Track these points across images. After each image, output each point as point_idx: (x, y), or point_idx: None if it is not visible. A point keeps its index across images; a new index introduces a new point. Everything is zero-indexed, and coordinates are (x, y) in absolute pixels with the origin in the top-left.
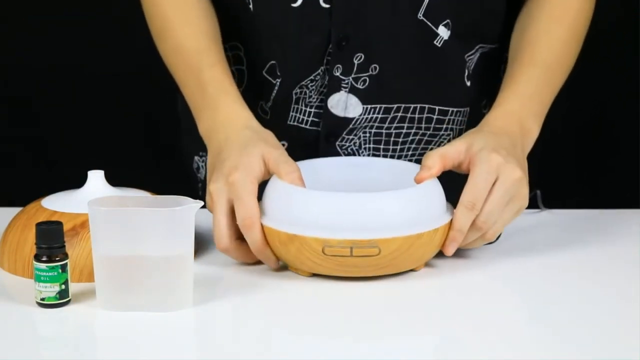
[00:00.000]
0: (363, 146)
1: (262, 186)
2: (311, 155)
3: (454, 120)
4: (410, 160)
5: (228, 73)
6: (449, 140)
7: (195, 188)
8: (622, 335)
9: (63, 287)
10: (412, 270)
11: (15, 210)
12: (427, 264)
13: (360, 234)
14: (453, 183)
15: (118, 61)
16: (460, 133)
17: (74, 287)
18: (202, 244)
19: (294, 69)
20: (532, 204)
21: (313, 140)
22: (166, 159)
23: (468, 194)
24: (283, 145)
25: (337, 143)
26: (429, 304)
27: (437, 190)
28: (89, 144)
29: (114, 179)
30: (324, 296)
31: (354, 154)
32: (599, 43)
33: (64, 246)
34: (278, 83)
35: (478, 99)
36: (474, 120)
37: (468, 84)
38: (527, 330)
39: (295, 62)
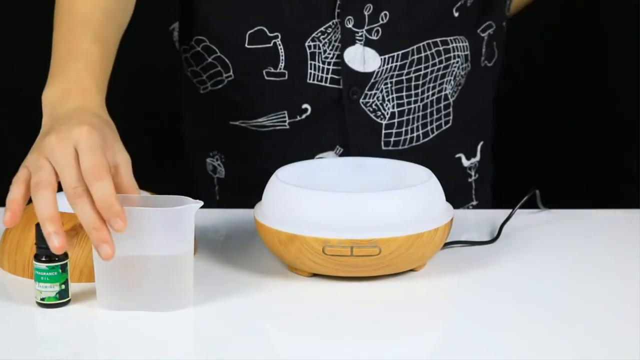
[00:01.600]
0: (386, 98)
1: (262, 186)
2: (337, 117)
3: (458, 47)
4: (432, 99)
5: (103, 58)
6: (458, 67)
7: (196, 189)
8: (621, 335)
9: (63, 287)
10: (412, 270)
11: None
12: (427, 264)
13: (361, 233)
14: (453, 182)
15: (118, 60)
16: (466, 58)
17: (74, 287)
18: (202, 243)
19: (301, 20)
20: (532, 204)
21: (337, 99)
22: (166, 158)
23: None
24: (305, 110)
25: (361, 100)
26: (429, 304)
27: (437, 190)
28: None
29: None
30: (324, 296)
31: (378, 110)
32: (599, 42)
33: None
34: (279, 41)
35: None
36: (474, 42)
37: (456, 14)
38: (527, 330)
39: (300, 12)
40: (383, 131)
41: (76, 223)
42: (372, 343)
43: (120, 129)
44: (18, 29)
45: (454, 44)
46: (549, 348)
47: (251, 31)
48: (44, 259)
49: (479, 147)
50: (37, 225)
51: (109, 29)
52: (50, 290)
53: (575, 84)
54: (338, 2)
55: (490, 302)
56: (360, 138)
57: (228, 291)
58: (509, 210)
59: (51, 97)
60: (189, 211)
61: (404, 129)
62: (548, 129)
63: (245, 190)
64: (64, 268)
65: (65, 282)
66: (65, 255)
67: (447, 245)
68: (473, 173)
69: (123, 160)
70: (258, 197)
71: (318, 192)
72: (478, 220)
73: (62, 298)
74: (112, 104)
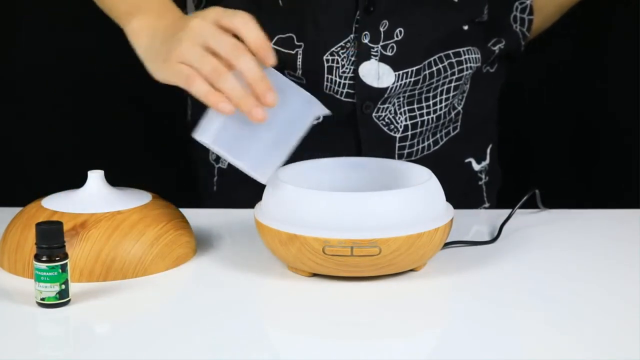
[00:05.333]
0: (399, 112)
1: (262, 185)
2: (350, 129)
3: (470, 59)
4: (445, 111)
5: None
6: (469, 78)
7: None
8: (622, 335)
9: (63, 287)
10: (412, 270)
11: (15, 210)
12: (427, 264)
13: (361, 233)
14: (452, 182)
15: (118, 60)
16: (477, 69)
17: (74, 287)
18: (202, 243)
19: (322, 33)
20: (532, 204)
21: (350, 113)
22: (166, 159)
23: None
24: (318, 117)
25: (374, 114)
26: (429, 304)
27: (437, 190)
28: (89, 144)
29: (114, 179)
30: (324, 296)
31: (391, 123)
32: (598, 41)
33: (64, 246)
34: (301, 51)
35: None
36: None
37: (465, 27)
38: (527, 330)
39: (322, 25)
40: (397, 144)
41: (76, 223)
42: (372, 343)
43: (120, 129)
44: (19, 27)
45: (467, 56)
46: (549, 348)
47: (282, 36)
48: (44, 259)
49: (488, 150)
50: (38, 225)
51: None
52: (50, 290)
53: (575, 83)
54: (356, 17)
55: (490, 302)
56: (374, 151)
57: (228, 291)
58: (509, 210)
59: (144, 22)
60: (315, 109)
61: (416, 139)
62: (548, 129)
63: (244, 184)
64: (64, 268)
65: (65, 282)
66: (65, 255)
67: (447, 245)
68: (484, 176)
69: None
70: (255, 195)
71: (318, 192)
72: (478, 220)
73: (62, 298)
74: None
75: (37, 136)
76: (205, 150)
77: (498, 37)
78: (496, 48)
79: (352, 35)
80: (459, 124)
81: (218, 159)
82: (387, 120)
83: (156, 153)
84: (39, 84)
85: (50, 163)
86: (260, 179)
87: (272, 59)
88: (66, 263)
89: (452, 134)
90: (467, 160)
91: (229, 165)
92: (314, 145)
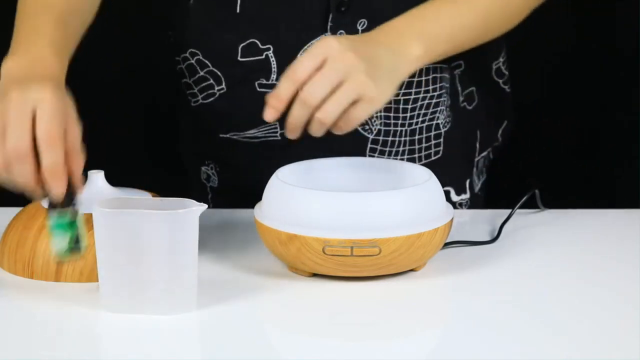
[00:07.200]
0: (375, 114)
1: (254, 197)
2: (325, 136)
3: (444, 77)
4: (422, 126)
5: (67, 40)
6: (450, 99)
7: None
8: (622, 335)
9: (75, 237)
10: (412, 270)
11: (15, 210)
12: (427, 264)
13: (361, 233)
14: (452, 181)
15: (118, 60)
16: (456, 91)
17: (74, 287)
18: (202, 244)
19: (294, 33)
20: (532, 204)
21: None
22: (167, 159)
23: (292, 65)
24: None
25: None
26: (429, 304)
27: (437, 190)
28: (89, 144)
29: (114, 179)
30: (324, 296)
31: (365, 124)
32: (598, 40)
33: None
34: (271, 53)
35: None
36: (450, 76)
37: None
38: (527, 330)
39: (293, 25)
40: (368, 145)
41: None
42: (372, 343)
43: (120, 129)
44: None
45: (442, 74)
46: (549, 348)
47: (243, 44)
48: (54, 209)
49: (467, 184)
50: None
51: (73, 20)
52: (63, 242)
53: (575, 83)
54: (331, 15)
55: (490, 302)
56: (344, 149)
57: (228, 291)
58: (509, 210)
59: (13, 66)
60: (192, 214)
61: (388, 148)
62: (548, 129)
63: (238, 200)
64: (74, 216)
65: (76, 233)
66: (75, 209)
67: (447, 245)
68: (463, 208)
69: (75, 130)
70: (250, 207)
71: (318, 192)
72: (478, 220)
73: (75, 251)
74: (113, 103)
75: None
76: (196, 170)
77: (459, 59)
78: (456, 73)
79: (326, 34)
80: (440, 148)
81: (209, 178)
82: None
83: (156, 153)
84: None
85: None
86: None
87: (58, 188)
88: (77, 213)
89: (433, 157)
90: (445, 189)
91: (219, 184)
92: (283, 145)
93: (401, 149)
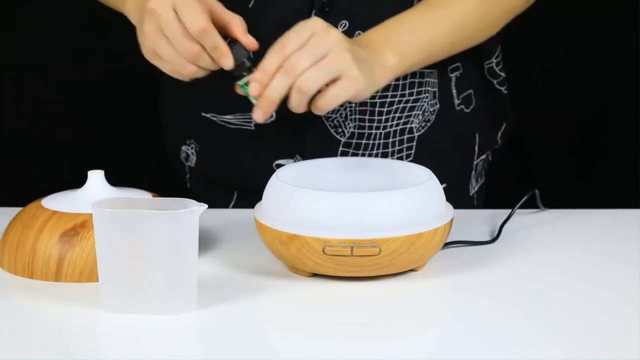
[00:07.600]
0: (349, 117)
1: (227, 181)
2: (298, 132)
3: (429, 82)
4: (395, 129)
5: None
6: (427, 103)
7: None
8: (622, 335)
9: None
10: (412, 270)
11: (15, 210)
12: (427, 264)
13: (361, 233)
14: (451, 181)
15: (118, 60)
16: (434, 95)
17: (74, 287)
18: (202, 244)
19: (275, 31)
20: (532, 204)
21: (303, 117)
22: (166, 159)
23: (279, 40)
24: (271, 115)
25: (323, 115)
26: (429, 304)
27: (437, 190)
28: (89, 144)
29: (114, 179)
30: (324, 296)
31: (339, 127)
32: (598, 40)
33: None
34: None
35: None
36: (442, 80)
37: None
38: (527, 330)
39: (274, 23)
40: (340, 148)
41: (76, 223)
42: (372, 343)
43: (120, 129)
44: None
45: (426, 78)
46: (549, 348)
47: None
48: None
49: (464, 187)
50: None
51: None
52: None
53: (575, 83)
54: (313, 14)
55: (490, 302)
56: (316, 150)
57: (228, 291)
58: (509, 210)
59: (131, 3)
60: (193, 214)
61: (361, 151)
62: (548, 129)
63: (213, 182)
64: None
65: None
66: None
67: (447, 245)
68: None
69: (216, 5)
70: (225, 191)
71: (318, 192)
72: (478, 220)
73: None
74: (113, 103)
75: (37, 136)
76: (176, 150)
77: (457, 61)
78: (453, 76)
79: None
80: (412, 151)
81: (187, 157)
82: (336, 122)
83: (156, 153)
84: (39, 84)
85: (50, 163)
86: None
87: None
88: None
89: (405, 160)
90: None
91: (197, 163)
92: (264, 135)
93: (374, 152)
